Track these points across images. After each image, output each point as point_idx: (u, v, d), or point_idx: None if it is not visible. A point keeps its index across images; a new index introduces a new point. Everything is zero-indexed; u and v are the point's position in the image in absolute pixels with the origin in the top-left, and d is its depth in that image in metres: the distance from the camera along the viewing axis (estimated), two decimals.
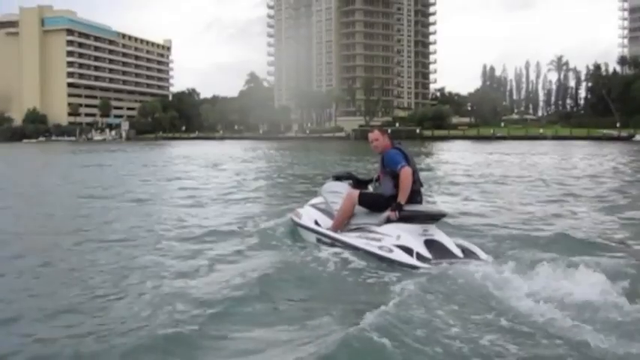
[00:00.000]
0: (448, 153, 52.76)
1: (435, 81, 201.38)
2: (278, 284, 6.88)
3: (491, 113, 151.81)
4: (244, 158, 46.33)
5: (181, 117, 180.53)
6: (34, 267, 8.30)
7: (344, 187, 9.15)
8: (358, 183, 9.25)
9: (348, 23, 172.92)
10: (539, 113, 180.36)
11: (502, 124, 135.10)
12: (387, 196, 8.12)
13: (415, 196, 8.09)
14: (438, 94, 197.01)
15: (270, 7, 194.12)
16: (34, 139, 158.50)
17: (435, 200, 15.13)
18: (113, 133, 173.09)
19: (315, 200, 9.63)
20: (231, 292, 6.55)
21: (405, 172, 7.90)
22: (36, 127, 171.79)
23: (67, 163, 40.27)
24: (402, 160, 8.03)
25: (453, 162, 37.90)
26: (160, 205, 15.76)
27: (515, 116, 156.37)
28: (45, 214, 14.46)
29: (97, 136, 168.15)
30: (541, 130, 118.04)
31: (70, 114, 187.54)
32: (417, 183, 8.15)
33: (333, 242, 8.32)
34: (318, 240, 8.67)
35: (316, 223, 8.98)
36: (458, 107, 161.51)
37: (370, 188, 9.07)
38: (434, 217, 8.03)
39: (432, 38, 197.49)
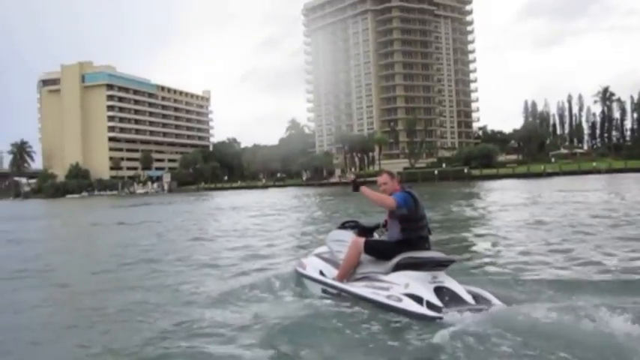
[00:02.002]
0: (508, 193, 49.14)
1: (478, 119, 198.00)
2: (283, 340, 6.54)
3: (538, 149, 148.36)
4: (290, 206, 43.96)
5: (223, 167, 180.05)
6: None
7: (349, 236, 8.69)
8: (363, 231, 8.84)
9: (386, 65, 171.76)
10: (584, 147, 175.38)
11: (552, 160, 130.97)
12: (393, 242, 7.84)
13: (423, 243, 7.82)
14: (481, 132, 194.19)
15: (307, 54, 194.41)
16: (77, 195, 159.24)
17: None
18: (155, 185, 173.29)
19: (319, 250, 9.36)
20: (233, 349, 6.33)
21: (391, 199, 7.67)
22: (79, 182, 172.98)
23: (111, 219, 37.83)
24: (409, 205, 7.69)
25: (523, 203, 34.49)
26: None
27: (564, 151, 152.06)
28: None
29: (140, 190, 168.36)
30: (594, 164, 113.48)
31: (111, 168, 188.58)
32: (425, 229, 7.90)
33: (339, 293, 8.06)
34: (324, 291, 8.42)
35: (321, 273, 8.71)
36: (502, 145, 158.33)
37: (376, 235, 8.73)
38: (443, 264, 7.58)
39: (472, 76, 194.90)
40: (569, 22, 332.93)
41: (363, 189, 8.00)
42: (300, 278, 9.14)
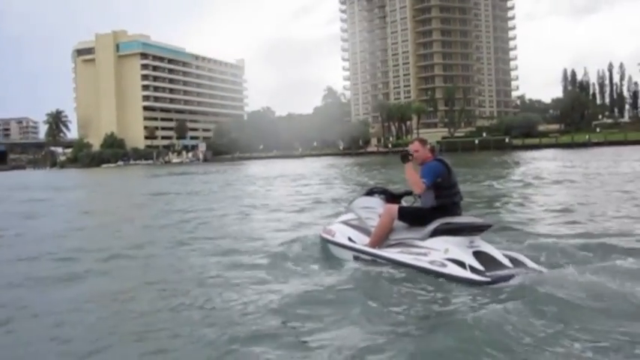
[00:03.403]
0: (555, 162, 46.77)
1: (517, 88, 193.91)
2: (334, 306, 6.39)
3: (579, 119, 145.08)
4: (326, 175, 43.38)
5: (257, 136, 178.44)
6: None
7: (377, 203, 8.78)
8: (392, 197, 8.90)
9: (424, 32, 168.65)
10: (625, 117, 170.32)
11: (597, 130, 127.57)
12: (428, 209, 7.84)
13: (456, 209, 7.84)
14: (518, 101, 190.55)
15: (343, 21, 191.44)
16: (112, 164, 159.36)
17: None
18: (190, 154, 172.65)
19: (345, 217, 9.16)
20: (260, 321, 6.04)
21: (420, 184, 7.67)
22: (114, 151, 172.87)
23: (150, 190, 36.42)
24: (441, 174, 7.77)
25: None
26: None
27: (607, 120, 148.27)
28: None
29: (175, 159, 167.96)
30: None
31: (146, 137, 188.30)
32: (457, 195, 7.95)
33: (374, 259, 7.93)
34: (356, 257, 8.25)
35: (350, 239, 8.53)
36: (541, 114, 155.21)
37: (403, 202, 8.70)
38: (480, 229, 7.54)
39: (511, 44, 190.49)
40: None
41: (408, 165, 7.90)
42: (326, 245, 8.99)
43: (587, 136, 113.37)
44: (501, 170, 39.15)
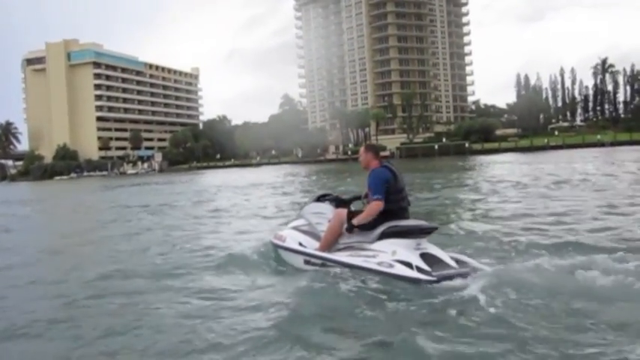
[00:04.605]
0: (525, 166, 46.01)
1: (473, 93, 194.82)
2: (292, 313, 6.47)
3: (536, 122, 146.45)
4: (285, 185, 41.97)
5: (214, 145, 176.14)
6: None
7: (327, 208, 8.82)
8: (341, 202, 8.98)
9: (380, 38, 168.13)
10: (577, 120, 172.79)
11: (556, 133, 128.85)
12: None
13: (403, 213, 8.03)
14: (474, 106, 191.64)
15: (298, 28, 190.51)
16: (65, 176, 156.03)
17: None
18: (145, 165, 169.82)
19: (296, 222, 9.38)
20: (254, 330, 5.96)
21: (376, 205, 7.76)
22: (67, 163, 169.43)
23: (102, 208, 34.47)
24: (387, 179, 7.86)
25: None
26: None
27: (564, 124, 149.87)
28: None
29: (130, 170, 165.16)
30: (598, 137, 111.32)
31: (100, 148, 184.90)
32: (405, 200, 8.10)
33: (324, 263, 8.11)
34: (307, 262, 8.42)
35: (300, 244, 8.67)
36: (496, 118, 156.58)
37: (352, 207, 8.80)
38: (426, 231, 7.80)
39: (466, 49, 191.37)
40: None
41: (354, 221, 7.96)
42: (277, 251, 9.13)
43: (545, 140, 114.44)
44: (465, 175, 38.51)
